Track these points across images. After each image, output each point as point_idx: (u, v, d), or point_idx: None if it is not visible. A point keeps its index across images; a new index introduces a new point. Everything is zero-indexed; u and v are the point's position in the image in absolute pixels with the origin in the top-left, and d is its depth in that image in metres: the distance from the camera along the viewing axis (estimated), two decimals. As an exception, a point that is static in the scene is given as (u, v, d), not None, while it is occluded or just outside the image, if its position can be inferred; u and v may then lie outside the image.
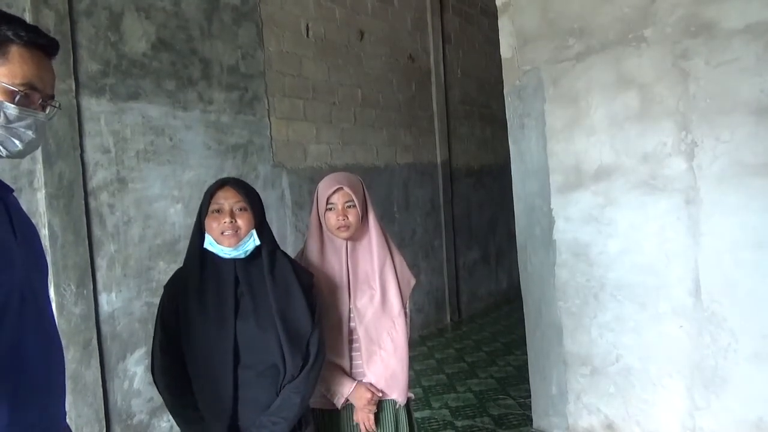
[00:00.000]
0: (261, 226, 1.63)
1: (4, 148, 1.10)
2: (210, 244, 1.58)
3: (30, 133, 1.11)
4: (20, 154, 1.14)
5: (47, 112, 1.16)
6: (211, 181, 1.82)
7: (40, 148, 2.80)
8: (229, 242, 1.56)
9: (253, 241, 1.59)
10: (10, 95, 1.07)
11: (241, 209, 1.58)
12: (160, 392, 1.63)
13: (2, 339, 1.03)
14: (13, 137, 1.09)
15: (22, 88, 1.08)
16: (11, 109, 1.07)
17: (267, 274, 1.61)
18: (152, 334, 1.69)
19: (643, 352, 2.75)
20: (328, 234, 1.87)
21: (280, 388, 1.59)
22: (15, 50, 1.07)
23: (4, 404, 1.03)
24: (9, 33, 1.07)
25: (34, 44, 1.10)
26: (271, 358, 1.58)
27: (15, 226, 1.14)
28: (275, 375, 1.58)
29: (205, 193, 1.63)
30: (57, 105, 1.18)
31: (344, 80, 5.09)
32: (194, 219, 1.67)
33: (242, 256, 1.59)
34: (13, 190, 1.20)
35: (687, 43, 2.53)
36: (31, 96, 1.10)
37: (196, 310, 1.58)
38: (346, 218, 1.80)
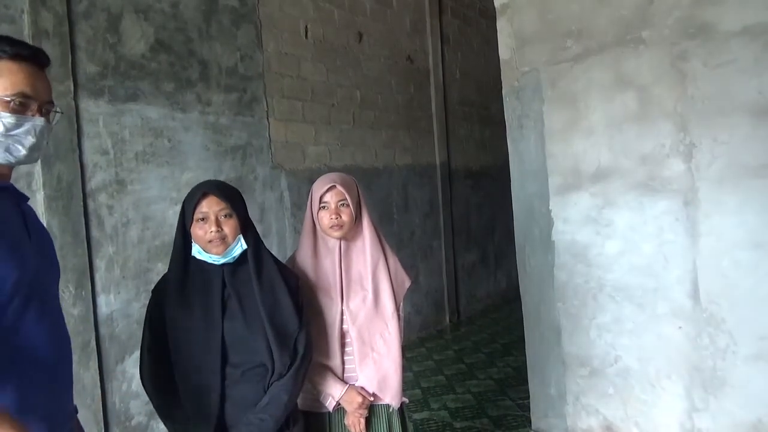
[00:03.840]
0: (246, 227, 1.64)
1: (10, 154, 1.20)
2: (198, 252, 1.60)
3: (30, 138, 1.21)
4: (27, 159, 1.24)
5: (51, 117, 1.26)
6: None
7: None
8: (217, 250, 1.58)
9: (240, 246, 1.61)
10: (6, 105, 1.17)
11: (225, 216, 1.60)
12: (148, 394, 1.64)
13: (8, 327, 1.13)
14: (16, 143, 1.20)
15: (14, 98, 1.18)
16: (8, 118, 1.17)
17: (253, 276, 1.62)
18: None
19: (642, 354, 2.75)
20: (321, 234, 1.85)
21: (268, 387, 1.61)
22: (2, 64, 1.18)
23: (11, 389, 1.12)
24: None
25: (19, 56, 1.20)
26: (259, 357, 1.60)
27: (29, 228, 1.24)
28: (263, 374, 1.61)
29: (187, 202, 1.63)
30: (57, 110, 1.28)
31: (343, 81, 5.09)
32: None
33: (230, 261, 1.61)
34: (28, 199, 1.31)
35: (685, 44, 2.53)
36: (26, 104, 1.20)
37: (182, 313, 1.60)
38: (339, 217, 1.78)
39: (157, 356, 1.62)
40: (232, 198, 1.63)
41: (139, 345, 1.69)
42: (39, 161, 2.85)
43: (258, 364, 1.60)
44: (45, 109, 1.24)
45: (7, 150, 1.19)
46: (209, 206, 1.59)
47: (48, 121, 1.25)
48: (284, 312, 1.64)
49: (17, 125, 1.18)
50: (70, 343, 1.33)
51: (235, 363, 1.59)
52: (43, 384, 1.19)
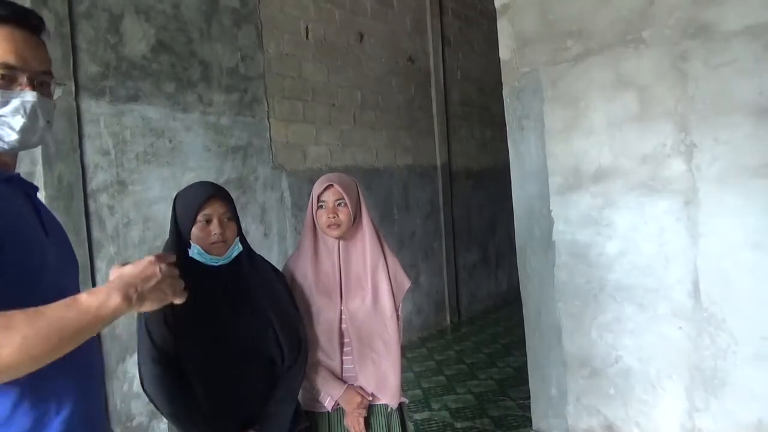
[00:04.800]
0: (240, 231, 1.71)
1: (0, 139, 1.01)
2: (198, 254, 1.62)
3: (20, 117, 1.00)
4: (22, 144, 1.03)
5: (51, 90, 1.07)
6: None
7: (39, 149, 2.80)
8: (219, 251, 1.63)
9: (237, 247, 1.67)
10: None
11: (228, 219, 1.65)
12: (156, 402, 1.60)
13: None
14: (3, 126, 1.00)
15: None
16: None
17: (252, 274, 1.69)
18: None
19: (643, 354, 2.74)
20: (321, 234, 1.86)
21: (277, 378, 1.68)
22: None
23: (52, 396, 1.02)
24: None
25: None
26: (268, 351, 1.66)
27: (44, 222, 1.09)
28: (272, 366, 1.68)
29: (186, 204, 1.65)
30: (53, 81, 1.08)
31: (344, 82, 5.10)
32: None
33: (226, 262, 1.66)
34: (38, 189, 1.14)
35: (686, 44, 2.53)
36: (12, 77, 1.00)
37: (188, 315, 1.58)
38: (336, 216, 1.79)
39: (161, 362, 1.60)
40: (232, 202, 1.70)
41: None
42: (40, 161, 2.86)
43: (267, 357, 1.66)
44: (39, 80, 1.03)
45: None
46: (213, 209, 1.63)
47: (44, 95, 1.04)
48: (285, 304, 1.72)
49: (2, 103, 0.98)
50: (96, 342, 1.21)
51: (248, 358, 1.63)
52: (83, 384, 1.10)
